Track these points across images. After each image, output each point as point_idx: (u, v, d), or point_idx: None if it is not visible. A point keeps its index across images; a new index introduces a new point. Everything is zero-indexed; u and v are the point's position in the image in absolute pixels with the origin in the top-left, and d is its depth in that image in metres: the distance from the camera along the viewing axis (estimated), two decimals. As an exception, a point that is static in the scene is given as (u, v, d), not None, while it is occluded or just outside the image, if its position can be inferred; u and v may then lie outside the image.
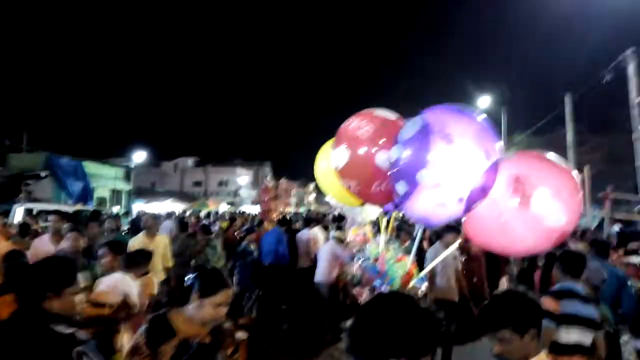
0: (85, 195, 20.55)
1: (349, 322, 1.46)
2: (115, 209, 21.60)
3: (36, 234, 7.68)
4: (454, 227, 5.57)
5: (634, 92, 12.35)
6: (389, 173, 2.99)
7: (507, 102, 22.79)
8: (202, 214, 20.81)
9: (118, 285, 4.05)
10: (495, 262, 7.15)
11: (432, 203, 2.73)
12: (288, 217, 13.48)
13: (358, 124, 3.51)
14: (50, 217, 6.69)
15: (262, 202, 18.15)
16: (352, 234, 7.33)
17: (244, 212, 23.01)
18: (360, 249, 5.08)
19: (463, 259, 6.58)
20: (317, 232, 9.50)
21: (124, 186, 26.44)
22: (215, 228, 11.69)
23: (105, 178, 24.51)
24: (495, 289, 6.39)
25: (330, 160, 3.78)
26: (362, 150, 3.43)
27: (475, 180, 2.66)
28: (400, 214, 7.18)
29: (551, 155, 2.91)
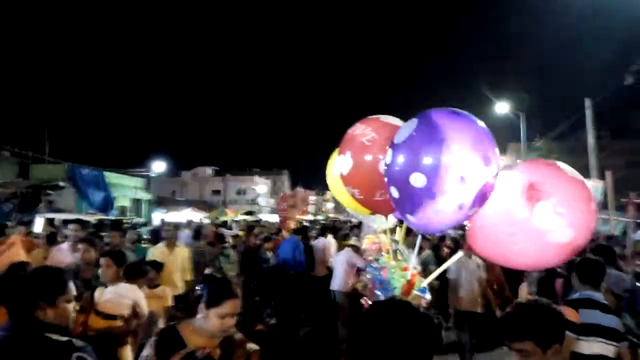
0: (107, 204, 20.87)
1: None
2: (135, 219, 21.86)
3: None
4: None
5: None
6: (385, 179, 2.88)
7: (526, 108, 22.44)
8: (218, 222, 20.90)
9: (124, 294, 4.02)
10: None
11: (429, 210, 2.62)
12: (305, 226, 13.49)
13: (363, 131, 3.45)
14: (70, 226, 6.59)
15: (280, 210, 18.18)
16: (367, 242, 7.28)
17: (259, 220, 23.04)
18: (376, 257, 5.02)
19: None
20: (331, 240, 9.48)
21: (144, 195, 26.78)
22: (233, 232, 11.77)
23: (125, 188, 24.89)
24: (516, 297, 6.26)
25: (336, 166, 3.74)
26: (365, 157, 3.36)
27: (473, 186, 2.55)
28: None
29: (561, 165, 2.82)
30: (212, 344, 2.39)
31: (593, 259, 3.69)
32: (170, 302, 5.12)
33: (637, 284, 4.86)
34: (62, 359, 2.04)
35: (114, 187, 22.70)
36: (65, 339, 2.11)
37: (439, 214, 2.61)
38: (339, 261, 7.71)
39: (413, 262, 3.30)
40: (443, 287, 6.70)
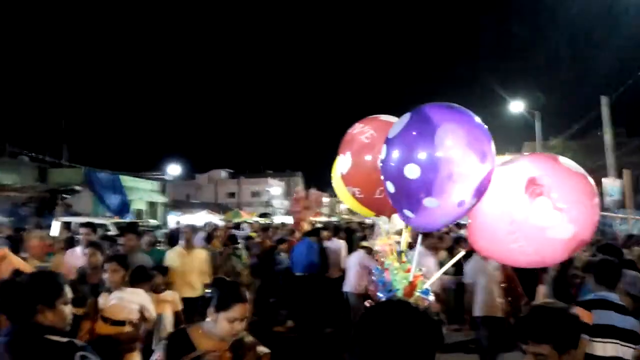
0: (123, 208, 21.12)
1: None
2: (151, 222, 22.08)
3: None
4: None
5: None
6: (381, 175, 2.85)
7: (541, 106, 22.18)
8: (230, 224, 20.98)
9: (130, 298, 3.95)
10: (530, 268, 6.82)
11: (425, 204, 2.57)
12: (318, 227, 13.48)
13: (362, 129, 3.43)
14: (81, 230, 6.47)
15: (294, 212, 18.19)
16: (380, 244, 7.24)
17: (271, 222, 23.09)
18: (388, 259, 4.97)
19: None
20: (343, 242, 9.50)
21: (159, 199, 27.02)
22: (246, 232, 11.81)
23: (141, 191, 25.14)
24: (533, 299, 6.14)
25: (337, 166, 3.73)
26: (364, 155, 3.33)
27: (468, 182, 2.49)
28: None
29: (562, 159, 2.79)
30: (222, 347, 2.39)
31: (609, 260, 3.62)
32: (180, 307, 5.04)
33: None
34: (65, 359, 2.08)
35: (130, 191, 22.94)
36: (66, 339, 2.15)
37: (434, 209, 2.57)
38: (352, 263, 7.70)
39: (415, 263, 3.26)
40: (459, 292, 6.57)
